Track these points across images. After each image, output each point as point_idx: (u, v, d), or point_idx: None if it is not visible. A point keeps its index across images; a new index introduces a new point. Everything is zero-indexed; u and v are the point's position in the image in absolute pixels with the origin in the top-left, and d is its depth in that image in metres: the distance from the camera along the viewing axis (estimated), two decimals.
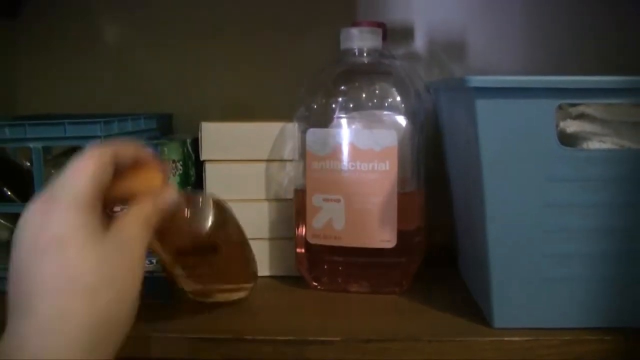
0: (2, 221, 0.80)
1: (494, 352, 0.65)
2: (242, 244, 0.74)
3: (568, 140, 0.65)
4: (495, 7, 0.96)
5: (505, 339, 0.65)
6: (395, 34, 0.93)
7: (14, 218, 0.75)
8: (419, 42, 0.96)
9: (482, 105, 0.62)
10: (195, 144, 0.82)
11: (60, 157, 0.80)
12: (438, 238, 0.87)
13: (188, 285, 0.72)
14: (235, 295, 0.75)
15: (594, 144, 0.64)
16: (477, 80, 0.61)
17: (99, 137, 0.75)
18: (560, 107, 0.64)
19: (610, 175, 0.63)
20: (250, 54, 0.97)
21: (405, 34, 0.96)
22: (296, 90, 0.80)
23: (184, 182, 0.81)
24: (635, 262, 0.65)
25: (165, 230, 0.58)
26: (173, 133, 0.96)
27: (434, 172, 0.83)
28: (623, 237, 0.64)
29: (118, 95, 1.01)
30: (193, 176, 0.85)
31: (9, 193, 0.81)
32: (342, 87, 0.77)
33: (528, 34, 0.97)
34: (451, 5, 0.98)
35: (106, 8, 1.03)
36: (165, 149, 0.75)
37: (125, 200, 0.55)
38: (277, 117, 0.83)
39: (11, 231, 0.79)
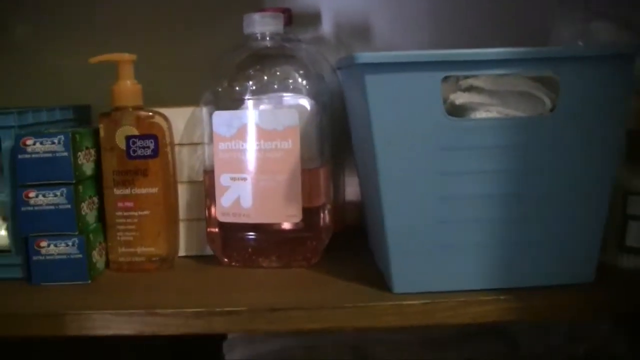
0: None
1: (394, 316, 0.69)
2: None
3: (458, 111, 0.69)
4: None
5: (405, 302, 0.69)
6: (302, 19, 0.96)
7: None
8: (326, 27, 1.00)
9: (372, 80, 0.66)
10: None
11: None
12: (352, 215, 0.91)
13: None
14: None
15: (480, 114, 0.69)
16: (364, 57, 0.65)
17: (12, 126, 0.78)
18: (447, 80, 0.68)
19: (496, 143, 0.67)
20: (162, 45, 1.00)
21: (312, 18, 1.00)
22: (198, 76, 0.85)
23: (97, 168, 0.83)
24: (524, 225, 0.70)
25: None
26: (91, 124, 0.98)
27: (346, 152, 0.88)
28: (512, 202, 0.69)
29: (36, 91, 1.04)
30: None
31: None
32: (246, 71, 0.81)
33: (431, 15, 1.02)
34: None
35: (21, 7, 1.06)
36: (77, 136, 0.78)
37: None
38: (188, 104, 0.87)
39: None
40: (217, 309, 0.70)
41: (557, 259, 0.71)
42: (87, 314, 0.70)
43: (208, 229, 0.84)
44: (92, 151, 0.83)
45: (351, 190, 0.95)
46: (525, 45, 0.67)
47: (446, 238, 0.69)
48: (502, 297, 0.70)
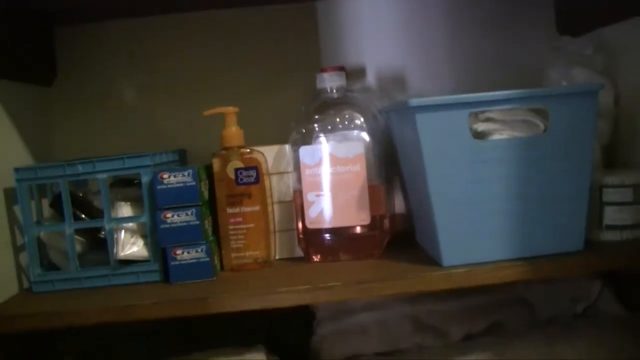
0: (77, 237, 1.20)
1: (445, 281, 1.08)
2: None
3: (479, 136, 1.09)
4: (425, 49, 1.41)
5: (452, 271, 1.08)
6: (352, 74, 1.36)
7: (85, 233, 1.17)
8: (370, 79, 1.41)
9: (421, 119, 1.05)
10: (208, 169, 1.24)
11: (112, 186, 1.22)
12: (400, 224, 1.32)
13: None
14: None
15: (495, 137, 1.09)
16: (415, 101, 1.05)
17: (149, 165, 1.17)
18: (471, 114, 1.08)
19: (507, 156, 1.07)
20: (243, 99, 1.39)
21: (359, 73, 1.40)
22: (280, 122, 1.26)
23: (210, 194, 1.22)
24: (530, 212, 1.08)
25: None
26: (187, 163, 1.38)
27: (393, 174, 1.29)
28: (520, 197, 1.08)
29: (139, 141, 1.44)
30: None
31: (82, 215, 1.22)
32: (321, 115, 1.22)
33: (450, 67, 1.43)
34: (393, 49, 1.42)
35: (125, 71, 1.48)
36: (199, 170, 1.17)
37: None
38: (270, 143, 1.27)
39: (83, 244, 1.21)
40: (320, 285, 1.08)
41: (556, 235, 1.10)
42: (225, 296, 1.08)
43: (298, 235, 1.24)
44: (207, 182, 1.22)
45: (397, 204, 1.35)
46: (524, 84, 1.08)
47: (477, 224, 1.08)
48: (519, 264, 1.09)
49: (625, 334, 1.24)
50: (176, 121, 1.46)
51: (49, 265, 1.23)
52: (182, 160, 1.34)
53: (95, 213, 1.22)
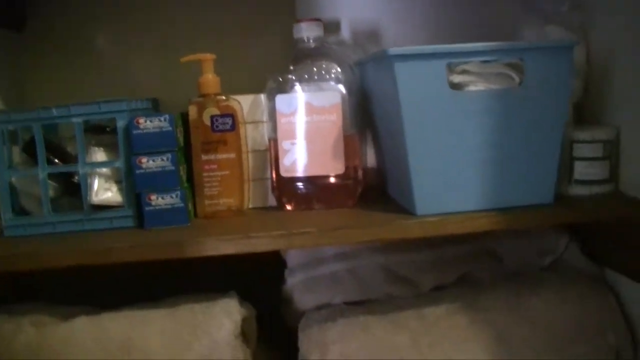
0: (50, 182, 1.21)
1: (419, 229, 1.11)
2: None
3: (455, 87, 1.12)
4: (399, 3, 1.43)
5: (425, 220, 1.12)
6: (326, 27, 1.37)
7: (58, 178, 1.19)
8: (345, 32, 1.42)
9: (399, 67, 1.08)
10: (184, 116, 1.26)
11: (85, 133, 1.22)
12: (371, 177, 1.34)
13: None
14: None
15: (471, 88, 1.11)
16: (394, 50, 1.07)
17: (125, 110, 1.18)
18: (447, 66, 1.10)
19: (482, 107, 1.10)
20: (219, 47, 1.39)
21: (334, 27, 1.41)
22: (255, 71, 1.28)
23: (185, 142, 1.24)
24: (504, 162, 1.12)
25: None
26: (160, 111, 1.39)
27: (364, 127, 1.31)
28: (495, 146, 1.11)
29: (112, 88, 1.45)
30: None
31: (56, 160, 1.23)
32: (298, 65, 1.23)
33: (426, 22, 1.45)
34: (368, 3, 1.43)
35: (98, 18, 1.49)
36: (175, 116, 1.18)
37: None
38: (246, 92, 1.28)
39: (56, 189, 1.22)
40: (294, 231, 1.10)
41: (528, 187, 1.13)
42: (201, 240, 1.09)
43: (272, 184, 1.26)
44: (182, 129, 1.23)
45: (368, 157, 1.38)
46: (499, 40, 1.11)
47: (451, 174, 1.11)
48: (491, 214, 1.12)
49: (589, 285, 1.29)
50: (149, 69, 1.47)
51: (20, 211, 1.24)
52: (155, 108, 1.35)
53: (69, 158, 1.23)
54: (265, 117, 1.27)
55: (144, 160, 1.17)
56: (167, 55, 1.39)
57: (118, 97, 1.21)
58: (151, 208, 1.18)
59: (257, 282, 1.33)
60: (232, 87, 1.28)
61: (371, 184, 1.34)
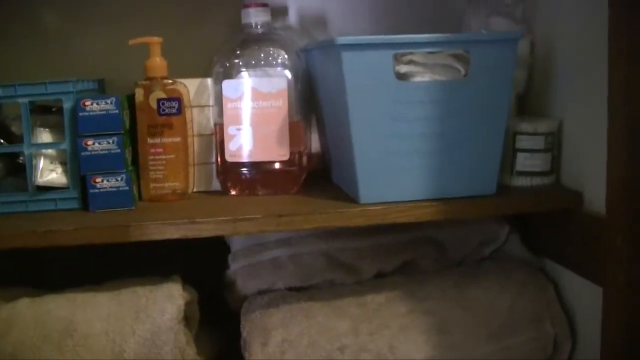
0: None
1: (362, 218, 1.15)
2: None
3: (402, 77, 1.15)
4: None
5: (368, 208, 1.15)
6: (273, 12, 1.39)
7: (3, 158, 1.20)
8: (292, 18, 1.45)
9: (346, 57, 1.10)
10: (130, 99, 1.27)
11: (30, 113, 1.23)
12: (315, 163, 1.37)
13: None
14: None
15: (417, 79, 1.15)
16: (342, 40, 1.10)
17: (72, 92, 1.19)
18: (394, 56, 1.14)
19: (428, 98, 1.14)
20: (166, 30, 1.40)
21: (281, 12, 1.44)
22: (202, 55, 1.30)
23: (131, 124, 1.26)
24: (447, 153, 1.16)
25: None
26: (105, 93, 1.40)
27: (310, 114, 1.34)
28: (438, 137, 1.15)
29: (56, 68, 1.45)
30: None
31: (1, 140, 1.24)
32: (245, 50, 1.26)
33: (372, 9, 1.48)
34: None
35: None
36: (122, 99, 1.20)
37: None
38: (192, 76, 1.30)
39: (0, 169, 1.24)
40: (240, 217, 1.12)
41: (471, 178, 1.17)
42: (146, 224, 1.11)
43: (217, 169, 1.29)
44: (128, 112, 1.25)
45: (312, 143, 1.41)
46: (444, 30, 1.15)
47: (395, 163, 1.15)
48: (434, 204, 1.16)
49: (528, 275, 1.33)
50: (94, 50, 1.47)
51: None
52: (101, 89, 1.37)
53: (14, 139, 1.25)
54: (211, 102, 1.30)
55: (90, 142, 1.19)
56: (112, 36, 1.40)
57: (63, 77, 1.21)
58: (96, 190, 1.19)
59: (200, 266, 1.35)
60: (178, 70, 1.30)
61: (315, 170, 1.38)
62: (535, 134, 1.23)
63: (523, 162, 1.24)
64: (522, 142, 1.24)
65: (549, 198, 1.23)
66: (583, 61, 1.20)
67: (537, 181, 1.25)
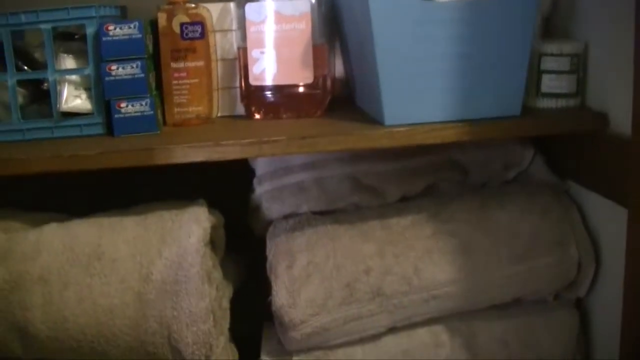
0: (19, 88, 1.24)
1: (387, 139, 1.16)
2: None
3: None
4: None
5: (394, 129, 1.16)
6: None
7: (27, 85, 1.21)
8: None
9: None
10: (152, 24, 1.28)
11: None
12: (339, 88, 1.38)
13: None
14: None
15: None
16: None
17: (95, 17, 1.21)
18: None
19: (452, 17, 1.14)
20: None
21: None
22: None
23: (154, 49, 1.27)
24: (473, 73, 1.16)
25: None
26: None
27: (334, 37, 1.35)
28: (463, 57, 1.16)
29: None
30: None
31: (25, 67, 1.25)
32: None
33: None
34: None
35: None
36: (145, 23, 1.21)
37: None
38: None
39: (25, 96, 1.25)
40: (264, 139, 1.14)
41: (496, 99, 1.18)
42: (171, 148, 1.13)
43: (241, 93, 1.30)
44: (151, 37, 1.26)
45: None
46: None
47: (420, 84, 1.15)
48: (459, 125, 1.17)
49: (553, 197, 1.34)
50: None
51: None
52: (123, 15, 1.37)
53: (37, 66, 1.26)
54: (234, 26, 1.31)
55: (114, 67, 1.20)
56: None
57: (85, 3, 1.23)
58: (120, 115, 1.21)
59: (225, 190, 1.36)
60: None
61: (339, 94, 1.39)
62: (560, 55, 1.23)
63: (548, 83, 1.24)
64: (548, 63, 1.24)
65: (575, 120, 1.23)
66: None
67: (562, 103, 1.25)
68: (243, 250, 1.40)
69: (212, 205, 1.28)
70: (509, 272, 1.29)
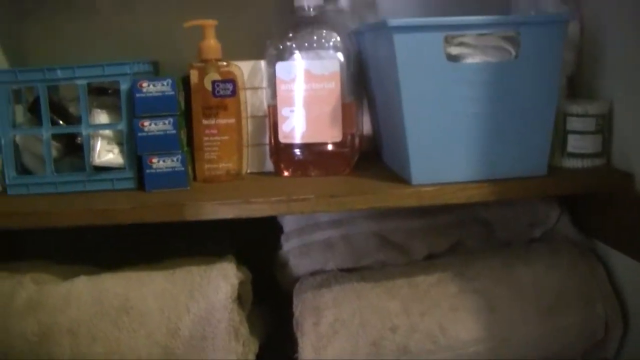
0: (53, 142, 1.27)
1: (414, 198, 1.18)
2: None
3: (453, 58, 1.18)
4: None
5: (421, 189, 1.18)
6: None
7: (61, 139, 1.24)
8: (343, 1, 1.48)
9: (398, 39, 1.13)
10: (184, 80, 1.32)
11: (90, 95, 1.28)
12: (365, 144, 1.41)
13: None
14: None
15: (468, 60, 1.18)
16: (394, 22, 1.13)
17: (129, 74, 1.24)
18: (445, 38, 1.17)
19: (479, 79, 1.16)
20: (217, 13, 1.44)
21: None
22: (253, 38, 1.35)
23: (186, 106, 1.30)
24: (499, 134, 1.18)
25: None
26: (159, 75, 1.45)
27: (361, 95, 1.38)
28: (490, 118, 1.18)
29: (112, 50, 1.50)
30: None
31: (60, 121, 1.29)
32: (298, 33, 1.30)
33: None
34: None
35: None
36: (177, 80, 1.24)
37: None
38: (243, 59, 1.34)
39: (59, 150, 1.29)
40: (294, 197, 1.16)
41: (522, 158, 1.20)
42: (201, 204, 1.16)
43: (270, 150, 1.33)
44: (183, 93, 1.29)
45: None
46: (491, 12, 1.17)
47: (447, 144, 1.18)
48: (485, 184, 1.19)
49: (579, 255, 1.36)
50: (146, 31, 1.51)
51: (22, 170, 1.30)
52: (155, 71, 1.41)
53: (71, 119, 1.29)
54: (264, 84, 1.34)
55: (146, 123, 1.23)
56: (166, 17, 1.44)
57: (116, 58, 1.27)
58: (152, 170, 1.24)
59: (253, 246, 1.39)
60: (230, 53, 1.34)
61: (366, 149, 1.42)
62: (585, 115, 1.26)
63: (574, 143, 1.26)
64: (573, 123, 1.26)
65: (600, 179, 1.25)
66: (633, 43, 1.22)
67: (587, 163, 1.27)
68: (269, 306, 1.42)
69: (239, 259, 1.31)
70: (534, 330, 1.29)
